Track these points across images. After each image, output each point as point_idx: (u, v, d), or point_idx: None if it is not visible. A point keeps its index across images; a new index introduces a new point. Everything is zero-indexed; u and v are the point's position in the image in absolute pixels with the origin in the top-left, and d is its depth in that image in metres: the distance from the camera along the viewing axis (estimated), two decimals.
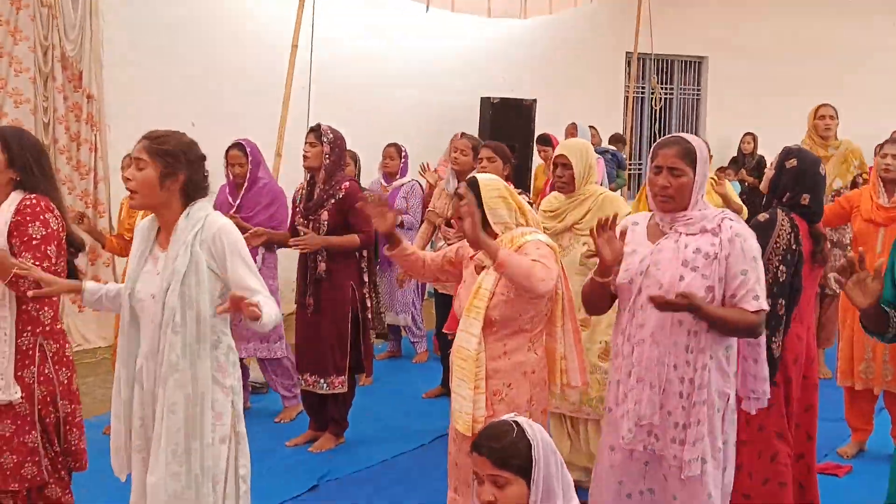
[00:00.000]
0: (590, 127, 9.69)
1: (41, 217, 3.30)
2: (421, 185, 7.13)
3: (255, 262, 5.29)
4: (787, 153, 3.95)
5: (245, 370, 5.89)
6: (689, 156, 2.98)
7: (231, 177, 5.61)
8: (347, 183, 5.08)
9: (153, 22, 7.95)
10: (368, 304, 5.27)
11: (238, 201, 5.52)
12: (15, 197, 3.33)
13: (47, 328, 3.39)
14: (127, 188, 2.98)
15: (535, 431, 2.30)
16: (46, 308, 3.39)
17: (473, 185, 3.37)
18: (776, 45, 12.11)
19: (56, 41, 7.29)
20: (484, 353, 3.25)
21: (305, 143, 5.13)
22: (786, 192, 3.83)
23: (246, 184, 5.54)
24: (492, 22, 9.28)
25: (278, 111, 6.98)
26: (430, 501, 4.47)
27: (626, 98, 11.13)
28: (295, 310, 5.33)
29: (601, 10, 10.57)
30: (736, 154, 11.05)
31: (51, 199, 3.40)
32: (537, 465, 2.24)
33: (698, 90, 12.55)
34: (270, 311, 2.86)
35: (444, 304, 6.00)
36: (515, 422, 2.32)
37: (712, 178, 5.05)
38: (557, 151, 4.52)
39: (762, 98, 11.81)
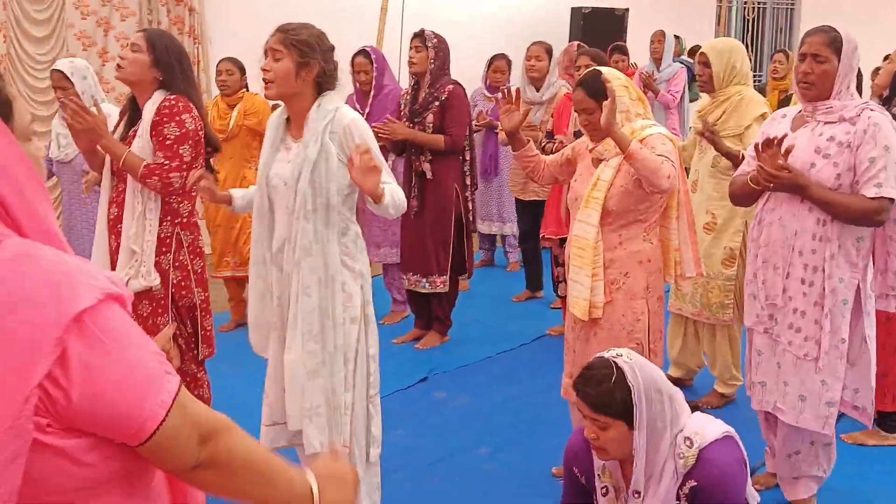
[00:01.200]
0: (675, 36, 9.51)
1: (177, 118, 3.40)
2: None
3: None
4: None
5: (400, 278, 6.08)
6: (835, 44, 3.01)
7: (357, 84, 5.70)
8: (451, 86, 5.17)
9: None
10: (471, 207, 5.41)
11: (367, 110, 5.59)
12: (157, 97, 3.43)
13: (185, 220, 3.54)
14: (264, 79, 3.04)
15: (637, 373, 2.37)
16: (185, 202, 3.54)
17: (597, 76, 3.42)
18: None
19: None
20: (601, 242, 3.35)
21: (410, 48, 5.22)
22: None
23: (373, 91, 5.64)
24: None
25: (374, 26, 7.05)
26: (537, 391, 4.67)
27: (719, 8, 10.88)
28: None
29: None
30: None
31: (190, 98, 3.49)
32: (638, 408, 2.35)
33: (792, 1, 12.18)
34: (394, 195, 2.99)
35: (526, 214, 6.16)
36: (616, 363, 2.38)
37: None
38: (700, 50, 4.43)
39: (857, 8, 11.44)
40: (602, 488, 2.58)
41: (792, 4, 12.20)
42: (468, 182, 5.39)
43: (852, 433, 4.07)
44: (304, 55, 2.99)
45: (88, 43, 7.31)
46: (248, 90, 5.75)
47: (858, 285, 3.06)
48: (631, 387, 2.35)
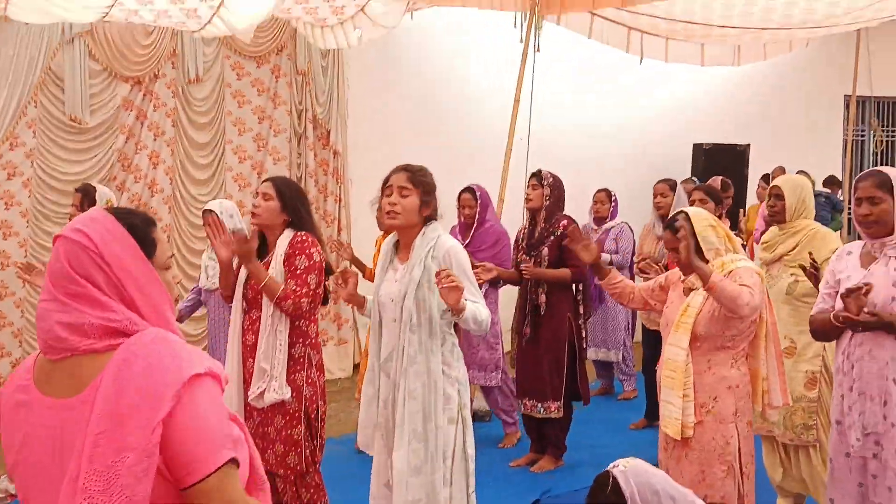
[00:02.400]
0: (800, 171, 9.68)
1: (307, 251, 3.91)
2: (630, 228, 7.48)
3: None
4: None
5: (505, 399, 6.39)
6: (885, 185, 3.27)
7: (461, 218, 6.23)
8: (565, 221, 5.54)
9: (391, 86, 8.85)
10: (584, 335, 5.69)
11: (468, 241, 6.10)
12: (288, 234, 3.98)
13: (313, 340, 4.01)
14: (389, 211, 3.55)
15: (630, 479, 2.38)
16: (312, 325, 4.02)
17: (685, 217, 3.75)
18: None
19: (308, 105, 8.31)
20: (691, 365, 3.60)
21: (528, 186, 5.68)
22: None
23: (475, 225, 6.14)
24: (705, 70, 9.51)
25: (499, 162, 7.52)
26: None
27: (846, 141, 10.98)
28: (515, 340, 5.81)
29: (817, 54, 10.52)
30: None
31: (316, 236, 4.04)
32: None
33: None
34: (479, 312, 3.41)
35: (651, 342, 6.29)
36: (611, 472, 2.41)
37: None
38: (773, 183, 4.76)
39: None
40: None
41: None
42: (581, 311, 5.69)
43: None
44: (426, 193, 3.54)
45: (244, 184, 8.12)
46: None
47: None
48: (624, 492, 2.38)
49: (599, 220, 7.52)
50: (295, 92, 8.28)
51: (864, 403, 3.28)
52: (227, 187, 8.05)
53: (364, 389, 3.69)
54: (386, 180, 3.60)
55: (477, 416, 6.75)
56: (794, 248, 4.51)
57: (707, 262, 3.66)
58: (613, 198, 7.54)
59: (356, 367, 7.98)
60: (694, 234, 3.68)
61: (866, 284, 3.19)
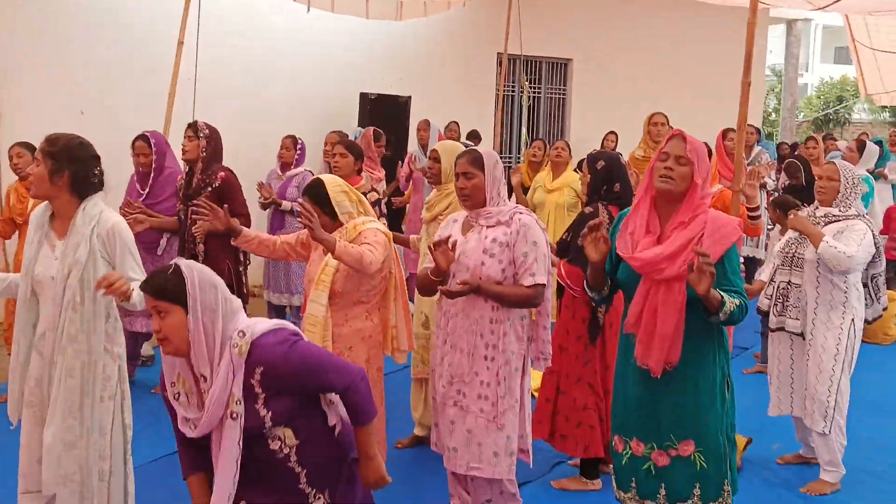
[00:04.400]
0: (452, 122, 10.47)
1: None
2: (314, 175, 7.69)
3: (160, 245, 5.92)
4: (594, 158, 4.75)
5: (139, 345, 6.45)
6: (477, 162, 3.72)
7: (138, 167, 6.15)
8: (223, 173, 5.68)
9: (44, 16, 8.31)
10: (244, 280, 5.91)
11: (147, 189, 6.07)
12: None
13: None
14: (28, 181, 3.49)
15: (193, 270, 2.71)
16: None
17: (319, 185, 4.05)
18: (631, 48, 13.24)
19: None
20: (330, 319, 3.96)
21: (184, 138, 5.72)
22: (603, 186, 4.62)
23: (153, 173, 6.09)
24: (370, 23, 9.88)
25: (164, 104, 7.40)
26: None
27: (497, 96, 11.93)
28: None
29: (473, 13, 11.29)
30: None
31: None
32: (191, 295, 2.64)
33: (564, 90, 13.49)
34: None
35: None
36: (175, 263, 2.75)
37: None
38: (432, 148, 5.11)
39: (620, 99, 12.91)
40: (175, 394, 2.77)
41: (564, 94, 13.52)
42: (241, 258, 5.89)
43: (560, 479, 4.79)
44: (56, 163, 3.41)
45: None
46: None
47: (525, 355, 3.76)
48: (186, 276, 2.70)
49: (285, 165, 7.61)
50: None
51: (454, 355, 3.72)
52: None
53: (12, 361, 3.58)
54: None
55: (142, 362, 6.77)
56: (447, 207, 4.90)
57: (340, 225, 3.99)
58: (299, 144, 7.67)
59: None
60: (329, 202, 3.98)
61: (451, 239, 3.62)
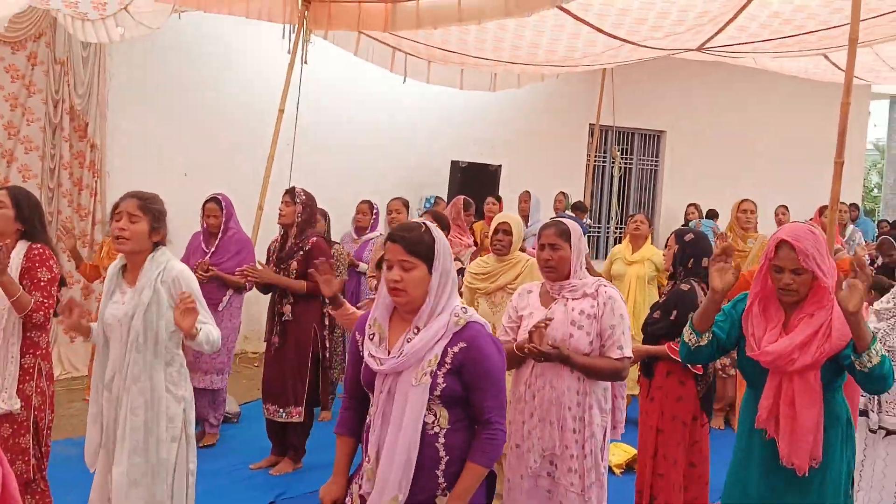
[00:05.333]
0: (560, 192, 10.54)
1: (47, 263, 4.03)
2: None
3: (223, 302, 6.11)
4: (682, 232, 4.72)
5: (221, 403, 6.59)
6: (564, 234, 3.75)
7: (205, 226, 6.40)
8: (315, 238, 5.84)
9: (153, 81, 8.79)
10: (328, 345, 6.01)
11: (212, 249, 6.31)
12: (22, 246, 4.05)
13: (44, 351, 4.11)
14: (120, 237, 3.63)
15: (440, 233, 2.89)
16: (44, 336, 4.12)
17: None
18: (726, 121, 13.13)
19: (66, 95, 8.09)
20: None
21: (281, 202, 5.91)
22: (690, 259, 4.56)
23: (220, 234, 6.33)
24: (464, 94, 10.08)
25: (262, 168, 7.68)
26: None
27: (587, 166, 11.95)
28: (265, 347, 6.05)
29: (566, 85, 11.39)
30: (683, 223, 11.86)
31: (50, 248, 4.12)
32: (439, 255, 2.84)
33: (656, 161, 13.43)
34: (209, 335, 3.60)
35: None
36: (425, 223, 2.91)
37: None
38: (499, 219, 5.21)
39: (712, 171, 12.79)
40: (371, 335, 2.91)
41: (656, 165, 13.45)
42: (327, 322, 6.00)
43: None
44: (156, 220, 3.66)
45: None
46: None
47: (606, 427, 3.74)
48: (436, 239, 2.85)
49: (360, 230, 7.81)
50: (52, 81, 8.04)
51: (544, 429, 3.70)
52: None
53: (90, 409, 3.79)
54: (116, 206, 3.68)
55: (226, 419, 6.93)
56: (516, 278, 5.00)
57: None
58: (375, 209, 7.86)
59: None
60: None
61: (548, 318, 3.66)
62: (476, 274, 5.17)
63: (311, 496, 5.55)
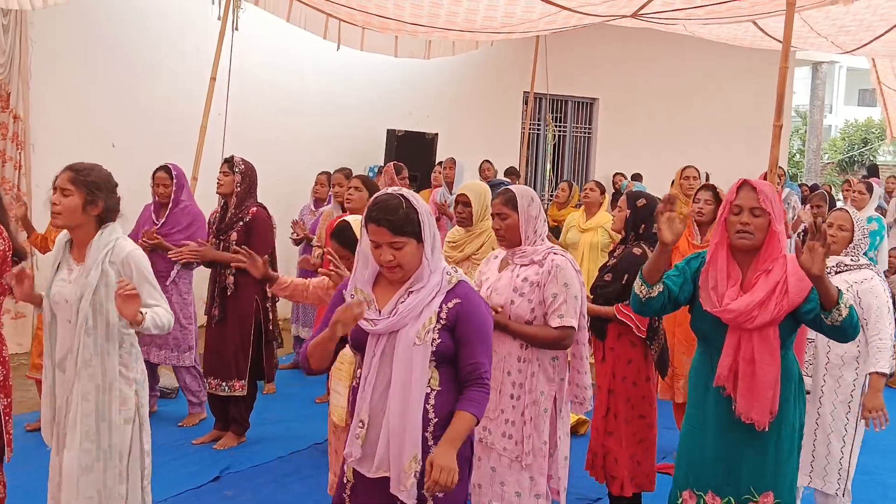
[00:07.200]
0: (485, 160, 10.52)
1: None
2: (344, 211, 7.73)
3: (171, 276, 5.95)
4: (634, 196, 4.69)
5: (155, 376, 6.46)
6: (511, 202, 3.74)
7: (156, 197, 6.20)
8: (255, 208, 5.71)
9: (78, 49, 8.48)
10: (271, 317, 5.91)
11: (162, 220, 6.12)
12: None
13: None
14: (53, 211, 3.49)
15: (418, 199, 2.89)
16: None
17: (346, 229, 4.02)
18: (657, 89, 13.28)
19: None
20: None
21: (219, 172, 5.77)
22: (642, 224, 4.55)
23: (170, 205, 6.14)
24: (400, 62, 9.99)
25: (195, 137, 7.48)
26: (320, 487, 5.13)
27: (523, 134, 11.98)
28: (206, 320, 5.92)
29: (500, 53, 11.38)
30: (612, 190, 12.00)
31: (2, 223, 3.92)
32: (425, 225, 2.84)
33: (589, 128, 13.53)
34: (160, 317, 3.41)
35: None
36: (401, 194, 2.87)
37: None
38: (459, 191, 5.18)
39: (645, 138, 12.94)
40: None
41: (589, 132, 13.56)
42: (269, 293, 5.89)
43: None
44: (94, 193, 3.48)
45: None
46: None
47: (555, 396, 3.73)
48: (416, 209, 2.84)
49: (319, 202, 7.68)
50: None
51: None
52: None
53: (43, 383, 3.64)
54: (55, 179, 3.52)
55: (164, 394, 6.80)
56: (480, 247, 4.97)
57: None
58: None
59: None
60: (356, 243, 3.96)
61: (489, 281, 3.66)
62: (449, 242, 5.15)
63: (256, 469, 5.51)
